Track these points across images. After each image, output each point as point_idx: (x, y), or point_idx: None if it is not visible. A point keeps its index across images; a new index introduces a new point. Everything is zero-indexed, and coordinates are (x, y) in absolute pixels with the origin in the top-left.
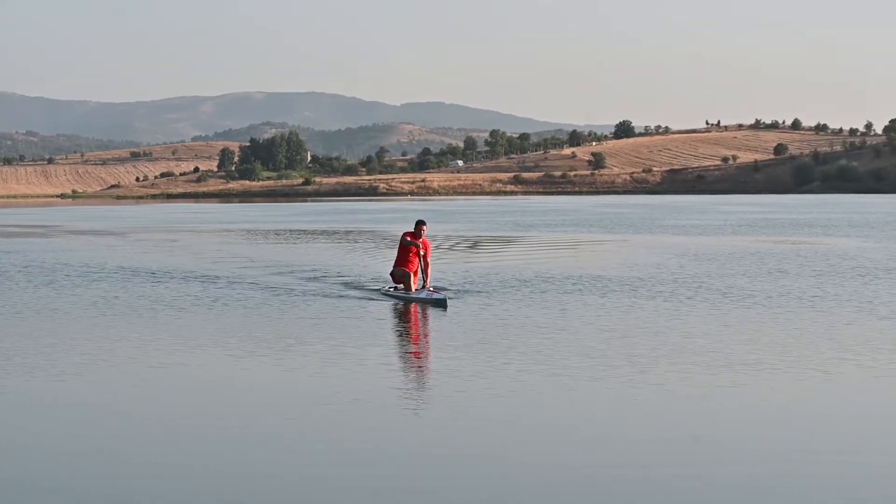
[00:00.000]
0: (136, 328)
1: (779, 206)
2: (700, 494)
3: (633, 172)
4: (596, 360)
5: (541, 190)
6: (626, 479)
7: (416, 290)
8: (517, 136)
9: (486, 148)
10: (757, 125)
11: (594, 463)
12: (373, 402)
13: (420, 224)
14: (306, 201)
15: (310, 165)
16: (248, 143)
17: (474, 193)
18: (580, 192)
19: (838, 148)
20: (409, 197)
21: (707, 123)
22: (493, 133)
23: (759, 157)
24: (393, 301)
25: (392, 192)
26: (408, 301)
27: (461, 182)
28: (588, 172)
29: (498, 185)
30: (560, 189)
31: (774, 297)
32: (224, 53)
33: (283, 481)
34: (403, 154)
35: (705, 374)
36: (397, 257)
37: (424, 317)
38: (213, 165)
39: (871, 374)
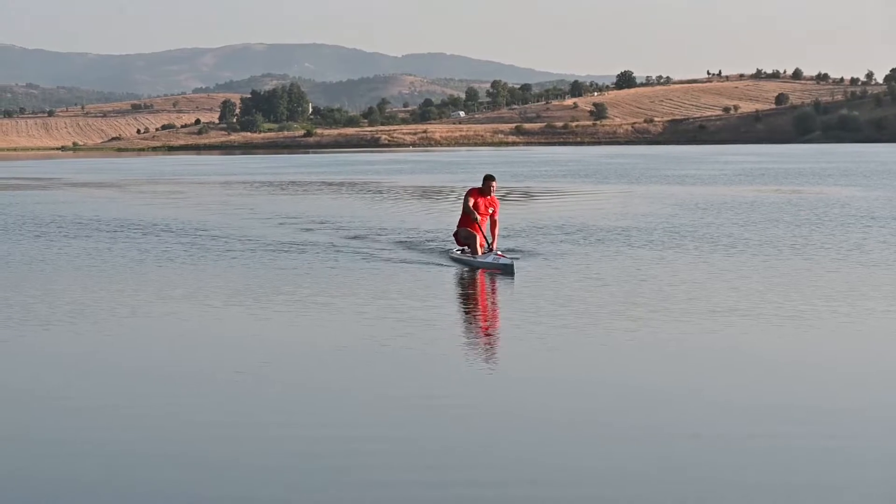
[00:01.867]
0: (133, 280)
1: (778, 156)
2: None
3: (634, 123)
4: (586, 307)
5: (542, 140)
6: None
7: (482, 253)
8: (519, 86)
9: (488, 99)
10: (758, 75)
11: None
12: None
13: (489, 180)
14: (308, 153)
15: (311, 117)
16: (249, 95)
17: (476, 144)
18: (582, 143)
19: (839, 97)
20: (410, 148)
21: (708, 73)
22: (495, 84)
23: (760, 107)
24: (456, 267)
25: (394, 144)
26: (472, 267)
27: (463, 133)
28: (590, 123)
29: (500, 135)
30: (562, 140)
31: (763, 244)
32: (224, 4)
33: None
34: (405, 105)
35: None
36: (462, 216)
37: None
38: (215, 117)
39: (847, 319)
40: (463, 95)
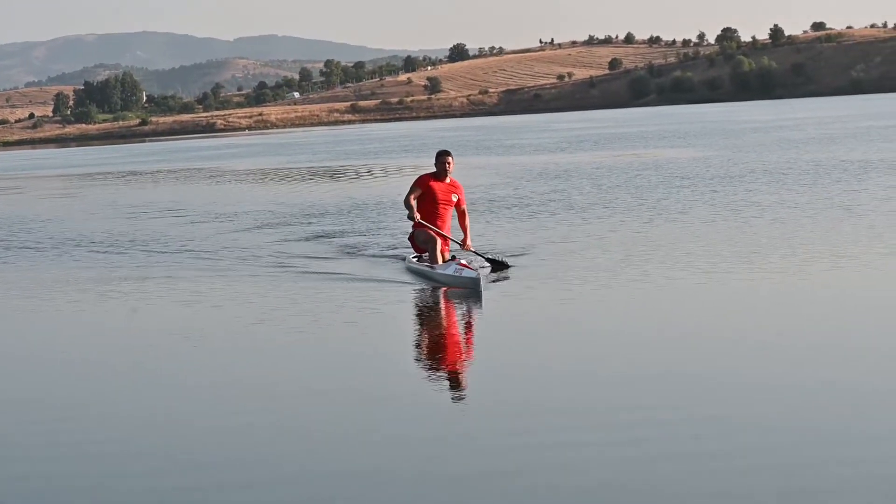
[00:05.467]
0: None
1: (609, 122)
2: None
3: (469, 95)
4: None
5: (378, 117)
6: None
7: (444, 262)
8: (352, 64)
9: (322, 78)
10: (591, 41)
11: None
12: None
13: (444, 156)
14: (144, 141)
15: (146, 105)
16: (82, 87)
17: (312, 124)
18: (418, 118)
19: (672, 60)
20: (246, 132)
21: (541, 42)
22: (328, 63)
23: (594, 73)
24: (416, 283)
25: (230, 128)
26: (433, 283)
27: (298, 114)
28: (425, 97)
29: (335, 114)
30: (398, 116)
31: (570, 209)
32: None
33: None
34: (239, 89)
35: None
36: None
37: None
38: (49, 111)
39: (639, 279)
40: (297, 76)
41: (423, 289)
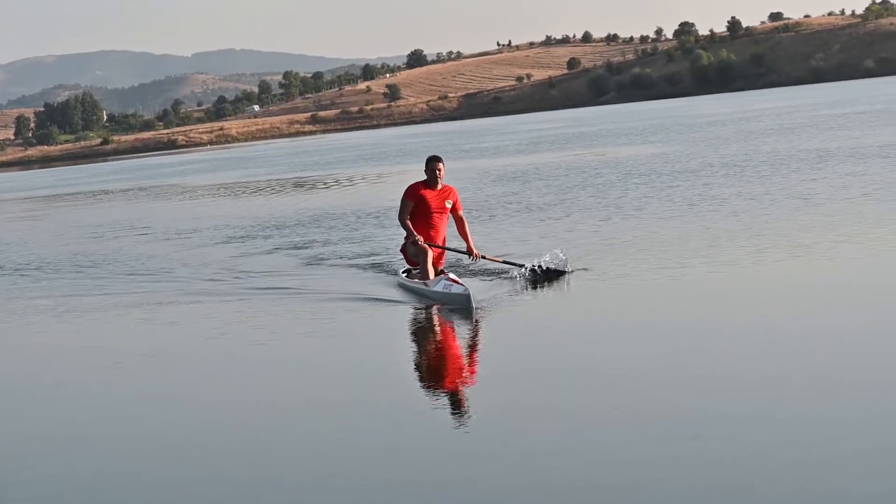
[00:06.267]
0: None
1: (569, 121)
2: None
3: (429, 101)
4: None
5: (339, 127)
6: None
7: (434, 277)
8: (311, 75)
9: (281, 90)
10: (548, 42)
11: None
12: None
13: (434, 162)
14: (107, 161)
15: (107, 125)
16: (42, 109)
17: (273, 137)
18: (378, 126)
19: (631, 57)
20: (208, 147)
21: (499, 45)
22: (287, 75)
23: (553, 73)
24: (405, 300)
25: (191, 144)
26: (425, 299)
27: (259, 127)
28: (384, 105)
29: (296, 126)
30: (358, 124)
31: (526, 210)
32: (10, 18)
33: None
34: (199, 104)
35: None
36: (410, 225)
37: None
38: (10, 134)
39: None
40: (256, 89)
41: (412, 306)
